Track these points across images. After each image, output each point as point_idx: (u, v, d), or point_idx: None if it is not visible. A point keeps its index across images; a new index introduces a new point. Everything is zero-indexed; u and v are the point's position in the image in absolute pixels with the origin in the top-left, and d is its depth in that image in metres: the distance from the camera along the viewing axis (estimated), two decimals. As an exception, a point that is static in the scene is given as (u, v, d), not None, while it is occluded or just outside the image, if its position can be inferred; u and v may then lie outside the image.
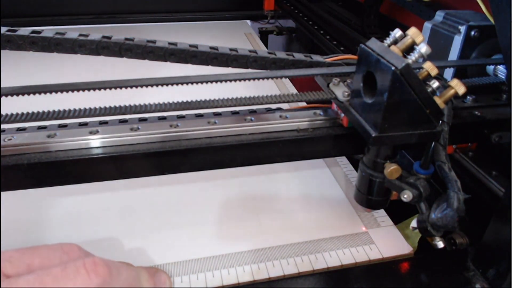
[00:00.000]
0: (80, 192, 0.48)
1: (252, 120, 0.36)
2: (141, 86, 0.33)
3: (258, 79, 0.35)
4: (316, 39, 0.85)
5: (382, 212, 0.47)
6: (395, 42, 0.33)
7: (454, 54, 0.43)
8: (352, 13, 0.86)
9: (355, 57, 0.38)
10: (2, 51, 0.32)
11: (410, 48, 0.32)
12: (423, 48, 0.31)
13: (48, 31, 0.33)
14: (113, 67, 0.79)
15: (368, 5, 0.76)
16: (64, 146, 0.33)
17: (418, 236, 0.43)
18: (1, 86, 0.31)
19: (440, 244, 0.35)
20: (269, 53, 0.38)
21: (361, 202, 0.38)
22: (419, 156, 0.34)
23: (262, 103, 0.35)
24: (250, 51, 0.37)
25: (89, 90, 0.32)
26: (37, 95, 0.31)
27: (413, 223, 0.36)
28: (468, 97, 0.40)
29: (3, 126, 0.32)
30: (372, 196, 0.37)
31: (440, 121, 0.32)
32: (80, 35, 0.33)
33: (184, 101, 0.34)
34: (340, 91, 0.36)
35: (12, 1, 0.99)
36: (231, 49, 0.36)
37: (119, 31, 1.03)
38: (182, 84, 0.34)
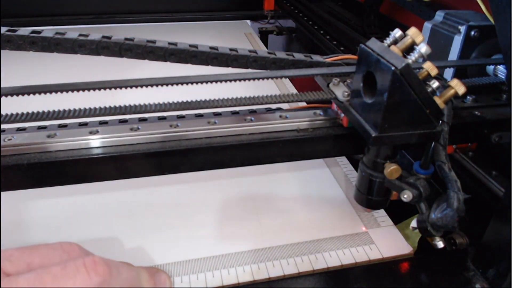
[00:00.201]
0: (80, 192, 0.48)
1: (252, 120, 0.36)
2: (141, 86, 0.33)
3: (258, 79, 0.35)
4: (316, 39, 0.85)
5: (382, 212, 0.47)
6: (395, 42, 0.33)
7: (454, 54, 0.43)
8: (352, 13, 0.86)
9: (355, 57, 0.38)
10: (2, 51, 0.32)
11: (410, 48, 0.32)
12: (423, 48, 0.31)
13: (48, 31, 0.33)
14: (109, 66, 0.79)
15: (368, 5, 0.76)
16: (64, 146, 0.33)
17: (418, 236, 0.43)
18: (1, 86, 0.31)
19: (440, 244, 0.35)
20: (269, 53, 0.38)
21: (361, 202, 0.38)
22: (419, 156, 0.34)
23: (262, 103, 0.35)
24: (250, 51, 0.37)
25: (89, 90, 0.32)
26: (37, 95, 0.31)
27: (413, 223, 0.36)
28: (468, 97, 0.40)
29: (3, 126, 0.32)
30: (372, 196, 0.37)
31: (440, 121, 0.32)
32: (80, 35, 0.33)
33: (184, 101, 0.34)
34: (340, 91, 0.36)
35: (12, 1, 0.99)
36: (231, 49, 0.36)
37: (119, 31, 1.03)
38: (182, 84, 0.34)
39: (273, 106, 0.37)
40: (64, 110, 0.32)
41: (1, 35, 0.31)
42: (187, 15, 1.10)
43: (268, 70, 0.37)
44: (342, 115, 0.36)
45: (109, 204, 0.47)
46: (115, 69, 0.74)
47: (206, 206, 0.47)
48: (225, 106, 0.34)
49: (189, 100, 0.34)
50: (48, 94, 0.31)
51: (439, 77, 0.32)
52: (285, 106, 0.39)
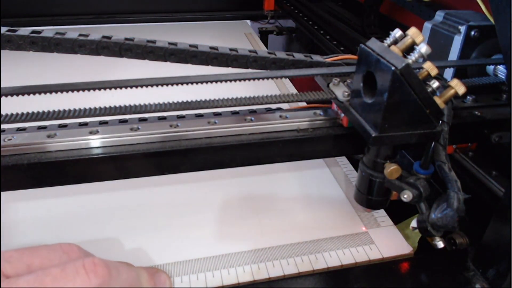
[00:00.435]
0: (80, 192, 0.48)
1: (252, 120, 0.36)
2: (141, 86, 0.33)
3: (258, 79, 0.35)
4: (316, 39, 0.85)
5: (382, 212, 0.47)
6: (395, 42, 0.33)
7: (454, 54, 0.43)
8: (352, 13, 0.86)
9: (355, 57, 0.38)
10: (2, 51, 0.32)
11: (410, 48, 0.32)
12: (423, 48, 0.31)
13: (48, 31, 0.33)
14: (109, 66, 0.79)
15: (368, 5, 0.76)
16: (64, 146, 0.33)
17: (418, 236, 0.43)
18: (1, 86, 0.30)
19: (440, 244, 0.35)
20: (269, 53, 0.38)
21: (361, 202, 0.38)
22: (419, 156, 0.34)
23: (262, 103, 0.35)
24: (250, 51, 0.37)
25: (89, 90, 0.32)
26: (37, 95, 0.31)
27: (413, 223, 0.36)
28: (468, 97, 0.40)
29: (3, 126, 0.32)
30: (372, 196, 0.37)
31: (440, 121, 0.32)
32: (80, 35, 0.33)
33: (184, 101, 0.34)
34: (340, 91, 0.36)
35: (12, 1, 0.99)
36: (231, 49, 0.36)
37: (119, 31, 1.03)
38: (182, 84, 0.34)
39: (273, 106, 0.37)
40: (64, 110, 0.32)
41: (1, 35, 0.31)
42: (187, 15, 1.10)
43: (268, 70, 0.37)
44: (342, 115, 0.36)
45: (109, 204, 0.47)
46: (116, 69, 0.74)
47: (206, 206, 0.47)
48: (225, 106, 0.34)
49: (189, 100, 0.34)
50: (48, 94, 0.31)
51: (439, 77, 0.32)
52: (285, 106, 0.39)
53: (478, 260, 0.38)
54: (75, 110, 0.32)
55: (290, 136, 0.36)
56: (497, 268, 0.36)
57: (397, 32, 0.33)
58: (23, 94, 0.31)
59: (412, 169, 0.35)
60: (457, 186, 0.32)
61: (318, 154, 0.38)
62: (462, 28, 0.42)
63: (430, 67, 0.31)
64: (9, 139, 0.32)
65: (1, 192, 0.32)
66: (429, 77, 0.31)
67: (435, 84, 0.31)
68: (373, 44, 0.31)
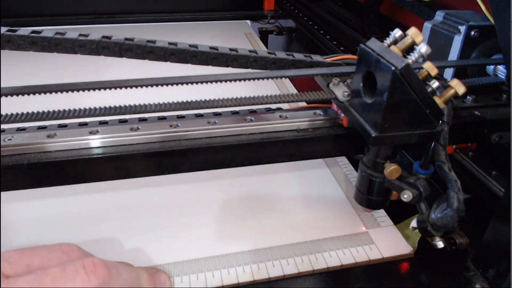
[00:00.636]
0: (80, 192, 0.48)
1: (252, 120, 0.36)
2: (141, 86, 0.33)
3: (258, 79, 0.35)
4: (316, 39, 0.85)
5: (382, 212, 0.47)
6: (395, 42, 0.33)
7: (454, 54, 0.43)
8: (352, 13, 0.86)
9: (355, 57, 0.38)
10: (2, 51, 0.32)
11: (410, 48, 0.32)
12: (423, 48, 0.31)
13: (48, 31, 0.33)
14: (109, 66, 0.79)
15: (368, 5, 0.76)
16: (64, 146, 0.33)
17: (418, 236, 0.43)
18: (1, 86, 0.30)
19: (440, 244, 0.35)
20: (269, 53, 0.38)
21: (361, 202, 0.38)
22: (419, 156, 0.34)
23: (262, 103, 0.35)
24: (250, 51, 0.37)
25: (89, 90, 0.32)
26: (37, 95, 0.31)
27: (413, 223, 0.36)
28: (468, 97, 0.40)
29: (3, 126, 0.32)
30: (372, 196, 0.37)
31: (440, 121, 0.32)
32: (80, 35, 0.33)
33: (184, 101, 0.34)
34: (340, 91, 0.36)
35: (12, 1, 0.99)
36: (231, 49, 0.36)
37: (119, 31, 1.03)
38: (182, 84, 0.34)
39: (273, 106, 0.37)
40: (64, 110, 0.32)
41: (1, 35, 0.31)
42: (187, 15, 1.10)
43: (268, 70, 0.37)
44: (342, 115, 0.36)
45: (108, 204, 0.47)
46: (116, 69, 0.74)
47: (206, 206, 0.47)
48: (225, 106, 0.34)
49: (189, 100, 0.34)
50: (48, 94, 0.31)
51: (439, 77, 0.32)
52: (285, 106, 0.39)
53: (478, 260, 0.38)
54: (75, 110, 0.32)
55: (290, 136, 0.36)
56: (497, 268, 0.36)
57: (397, 32, 0.33)
58: (23, 94, 0.31)
59: (412, 169, 0.35)
60: (457, 186, 0.32)
61: (318, 154, 0.38)
62: (462, 28, 0.42)
63: (430, 67, 0.31)
64: (9, 139, 0.32)
65: (1, 192, 0.32)
66: (429, 77, 0.31)
67: (435, 84, 0.31)
68: (373, 44, 0.31)
